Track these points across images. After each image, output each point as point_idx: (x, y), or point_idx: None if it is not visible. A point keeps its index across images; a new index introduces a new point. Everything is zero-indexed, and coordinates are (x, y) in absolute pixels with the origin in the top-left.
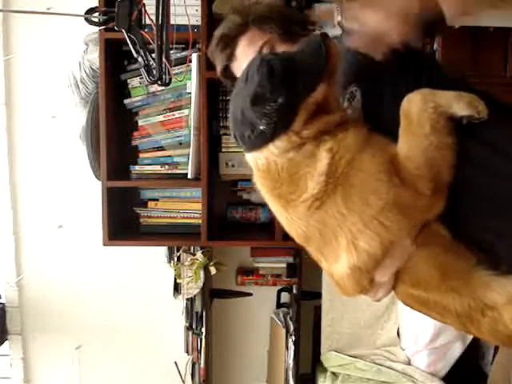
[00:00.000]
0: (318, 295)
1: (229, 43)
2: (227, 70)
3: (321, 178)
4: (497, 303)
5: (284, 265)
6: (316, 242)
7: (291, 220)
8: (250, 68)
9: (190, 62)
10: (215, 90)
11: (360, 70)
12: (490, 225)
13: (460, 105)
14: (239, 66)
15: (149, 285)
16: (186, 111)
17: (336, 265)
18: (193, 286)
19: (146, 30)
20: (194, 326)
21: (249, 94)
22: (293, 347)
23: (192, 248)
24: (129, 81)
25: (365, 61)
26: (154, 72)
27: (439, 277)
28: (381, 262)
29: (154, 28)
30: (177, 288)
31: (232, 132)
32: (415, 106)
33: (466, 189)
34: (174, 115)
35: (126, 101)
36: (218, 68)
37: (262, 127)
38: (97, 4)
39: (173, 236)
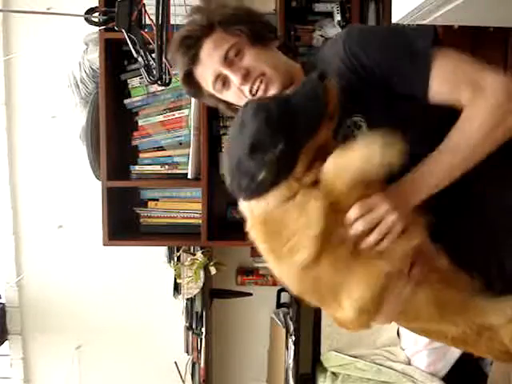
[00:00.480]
0: None
1: (192, 46)
2: (190, 75)
3: (315, 238)
4: (493, 325)
5: None
6: (313, 296)
7: (285, 276)
8: (244, 114)
9: None
10: None
11: (359, 95)
12: (492, 257)
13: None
14: (204, 72)
15: (149, 285)
16: (186, 111)
17: (339, 313)
18: (193, 286)
19: (146, 30)
20: (194, 326)
21: (246, 142)
22: (293, 347)
23: (192, 248)
24: (129, 81)
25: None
26: (154, 72)
27: (438, 313)
28: (382, 304)
29: (154, 28)
30: (177, 288)
31: (228, 181)
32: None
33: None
34: (173, 115)
35: (126, 101)
36: (180, 73)
37: (261, 176)
38: (97, 4)
39: (173, 236)
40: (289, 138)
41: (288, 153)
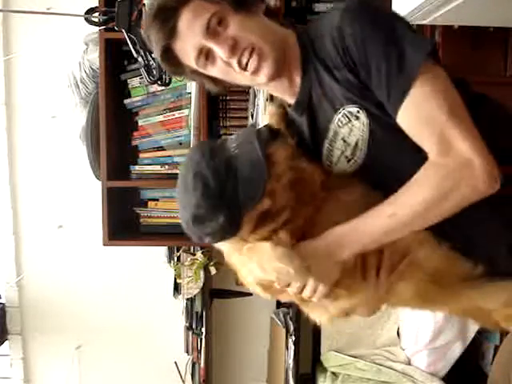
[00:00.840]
0: None
1: (168, 17)
2: (168, 51)
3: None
4: (486, 309)
5: None
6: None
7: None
8: (185, 173)
9: None
10: None
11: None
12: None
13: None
14: (184, 46)
15: (149, 285)
16: (186, 111)
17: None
18: (193, 286)
19: None
20: (194, 326)
21: (188, 212)
22: (293, 347)
23: (192, 248)
24: (129, 81)
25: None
26: (154, 72)
27: (424, 303)
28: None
29: None
30: (177, 288)
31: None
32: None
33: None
34: (173, 115)
35: (126, 101)
36: (157, 50)
37: (207, 240)
38: (97, 4)
39: (173, 236)
40: (228, 211)
41: (229, 223)
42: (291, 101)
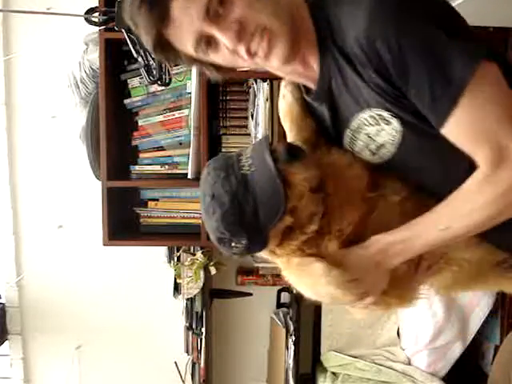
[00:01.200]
0: None
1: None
2: (161, 39)
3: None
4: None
5: None
6: None
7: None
8: (203, 194)
9: None
10: (215, 90)
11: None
12: None
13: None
14: (179, 33)
15: (149, 285)
16: (186, 111)
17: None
18: (193, 286)
19: None
20: (194, 326)
21: (212, 234)
22: (293, 347)
23: (192, 248)
24: (129, 81)
25: None
26: (154, 72)
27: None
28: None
29: None
30: (177, 288)
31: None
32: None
33: None
34: (173, 115)
35: (126, 101)
36: (147, 39)
37: (236, 257)
38: (97, 4)
39: (173, 236)
40: (251, 234)
41: (254, 244)
42: (308, 84)
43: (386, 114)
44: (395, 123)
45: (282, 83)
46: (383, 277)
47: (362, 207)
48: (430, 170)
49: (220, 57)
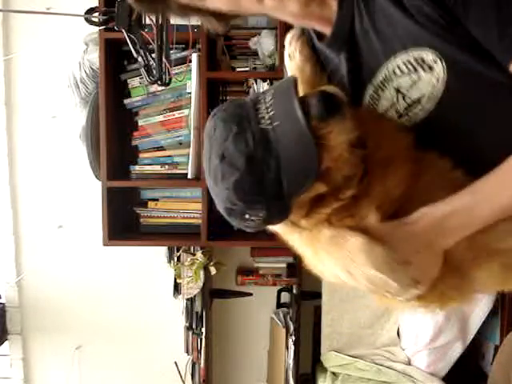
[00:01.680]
0: (318, 295)
1: None
2: None
3: None
4: None
5: (284, 265)
6: None
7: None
8: (209, 152)
9: (190, 61)
10: (215, 90)
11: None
12: None
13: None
14: None
15: (149, 285)
16: (185, 111)
17: None
18: (193, 286)
19: (146, 30)
20: (194, 326)
21: (221, 204)
22: (293, 347)
23: (192, 248)
24: (129, 81)
25: None
26: (154, 72)
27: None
28: None
29: (154, 28)
30: (177, 288)
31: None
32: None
33: None
34: (174, 115)
35: (126, 101)
36: None
37: (249, 229)
38: (97, 4)
39: (173, 236)
40: (270, 205)
41: (273, 216)
42: (324, 29)
43: (428, 57)
44: (438, 68)
45: (286, 40)
46: (436, 260)
47: (409, 169)
48: (479, 135)
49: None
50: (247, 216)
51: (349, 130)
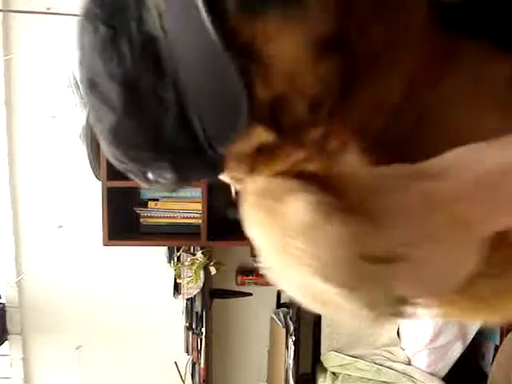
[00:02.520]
0: None
1: None
2: None
3: None
4: None
5: None
6: None
7: None
8: (81, 77)
9: None
10: None
11: None
12: None
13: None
14: None
15: (149, 285)
16: None
17: None
18: (193, 286)
19: None
20: (194, 326)
21: (110, 157)
22: (293, 347)
23: (192, 248)
24: None
25: None
26: None
27: None
28: None
29: None
30: (177, 288)
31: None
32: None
33: None
34: None
35: None
36: None
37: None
38: None
39: (173, 236)
40: (175, 165)
41: (188, 176)
42: None
43: None
44: None
45: None
46: (467, 249)
47: (426, 71)
48: None
49: None
50: (150, 177)
51: (311, 22)
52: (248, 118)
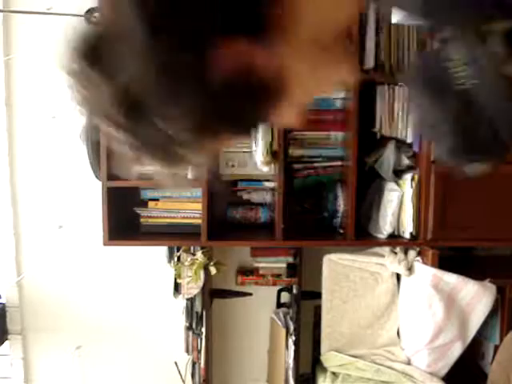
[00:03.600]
0: (318, 295)
1: None
2: None
3: None
4: None
5: (284, 265)
6: None
7: None
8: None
9: None
10: None
11: None
12: None
13: None
14: None
15: (149, 285)
16: None
17: None
18: (193, 286)
19: None
20: (194, 326)
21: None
22: (293, 347)
23: (192, 248)
24: None
25: None
26: None
27: None
28: None
29: None
30: (177, 288)
31: None
32: None
33: None
34: None
35: None
36: None
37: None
38: (97, 4)
39: (173, 236)
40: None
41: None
42: None
43: None
44: None
45: None
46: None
47: None
48: None
49: None
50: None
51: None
52: None
